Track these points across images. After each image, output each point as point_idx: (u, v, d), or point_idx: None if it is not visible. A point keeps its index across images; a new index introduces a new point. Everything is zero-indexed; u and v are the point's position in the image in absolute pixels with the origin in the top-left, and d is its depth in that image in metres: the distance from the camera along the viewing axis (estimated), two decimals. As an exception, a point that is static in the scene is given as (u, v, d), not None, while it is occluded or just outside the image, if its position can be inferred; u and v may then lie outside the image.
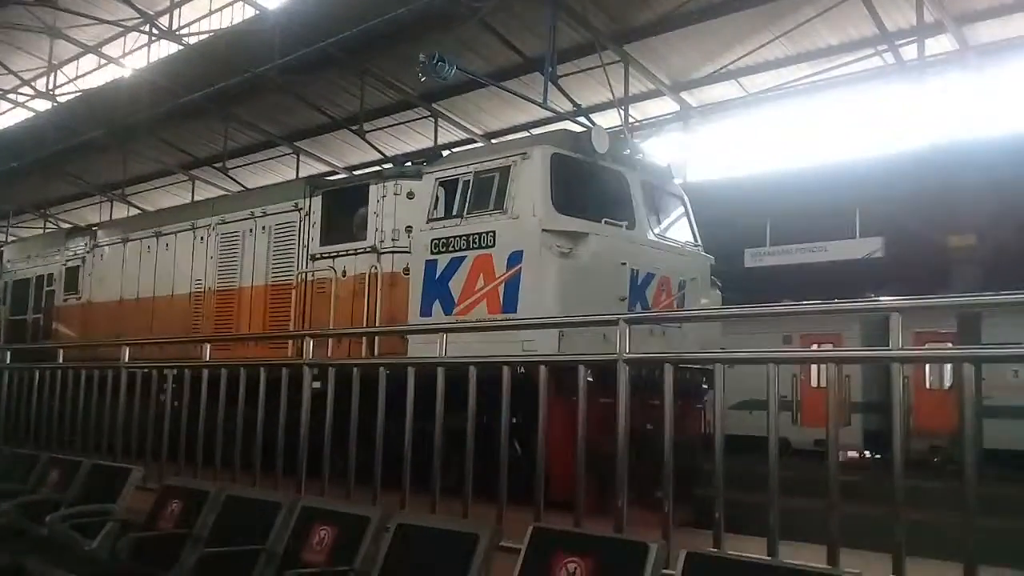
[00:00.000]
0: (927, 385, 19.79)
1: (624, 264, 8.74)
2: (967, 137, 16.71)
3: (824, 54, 18.87)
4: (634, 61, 20.07)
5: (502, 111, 23.06)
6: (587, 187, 9.18)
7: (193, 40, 25.16)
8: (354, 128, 23.96)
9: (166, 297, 12.54)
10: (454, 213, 9.16)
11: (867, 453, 19.90)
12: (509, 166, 8.94)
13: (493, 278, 8.64)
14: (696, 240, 10.22)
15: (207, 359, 7.93)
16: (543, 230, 8.43)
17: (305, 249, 10.55)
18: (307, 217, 10.65)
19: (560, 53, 17.02)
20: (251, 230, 11.39)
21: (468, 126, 24.32)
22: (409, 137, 25.47)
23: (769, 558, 4.13)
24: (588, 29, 18.80)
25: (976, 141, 16.43)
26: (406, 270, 9.44)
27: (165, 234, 12.89)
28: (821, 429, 5.14)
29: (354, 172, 19.45)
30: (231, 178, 28.34)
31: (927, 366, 19.40)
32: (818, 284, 16.39)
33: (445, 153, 10.70)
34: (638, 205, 9.40)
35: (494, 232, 8.74)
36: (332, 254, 10.15)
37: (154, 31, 26.26)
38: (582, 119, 16.81)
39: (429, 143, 24.46)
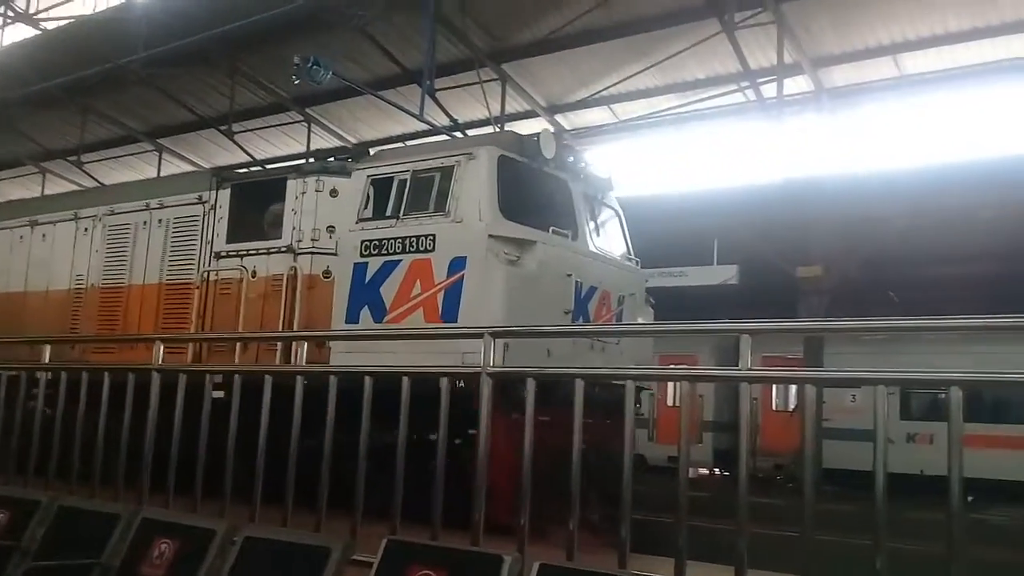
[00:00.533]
0: (773, 407, 20.86)
1: (570, 276, 8.45)
2: (818, 174, 17.73)
3: (692, 87, 19.63)
4: (511, 80, 20.30)
5: (378, 121, 22.84)
6: (533, 193, 8.82)
7: (52, 26, 23.76)
8: (222, 128, 23.15)
9: (40, 292, 11.62)
10: (388, 214, 8.62)
11: (717, 470, 20.74)
12: (452, 166, 8.43)
13: (432, 284, 8.13)
14: (631, 254, 10.10)
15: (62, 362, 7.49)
16: (489, 235, 8.00)
17: (209, 246, 9.88)
18: (212, 211, 9.97)
19: (439, 67, 17.01)
20: (145, 223, 10.61)
21: (343, 134, 23.96)
22: (280, 141, 24.84)
23: (621, 570, 4.21)
24: (467, 45, 18.91)
25: (826, 178, 17.44)
26: (326, 273, 8.94)
27: (42, 223, 11.92)
28: (675, 446, 5.29)
29: (265, 166, 18.56)
30: (86, 173, 26.84)
31: (774, 389, 20.44)
32: (679, 308, 17.01)
33: (373, 150, 10.28)
34: (580, 215, 9.17)
35: (434, 235, 8.24)
36: (241, 252, 9.55)
37: (9, 13, 24.67)
38: (458, 134, 16.88)
39: (301, 148, 23.94)
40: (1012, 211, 15.90)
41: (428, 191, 8.46)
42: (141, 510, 5.02)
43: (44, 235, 11.85)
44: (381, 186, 8.81)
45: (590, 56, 19.08)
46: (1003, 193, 15.39)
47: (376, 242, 8.56)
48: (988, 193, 15.54)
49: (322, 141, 24.02)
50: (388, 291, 8.36)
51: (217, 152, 26.04)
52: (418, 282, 8.22)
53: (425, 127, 17.92)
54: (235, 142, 23.68)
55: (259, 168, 17.15)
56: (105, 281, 10.92)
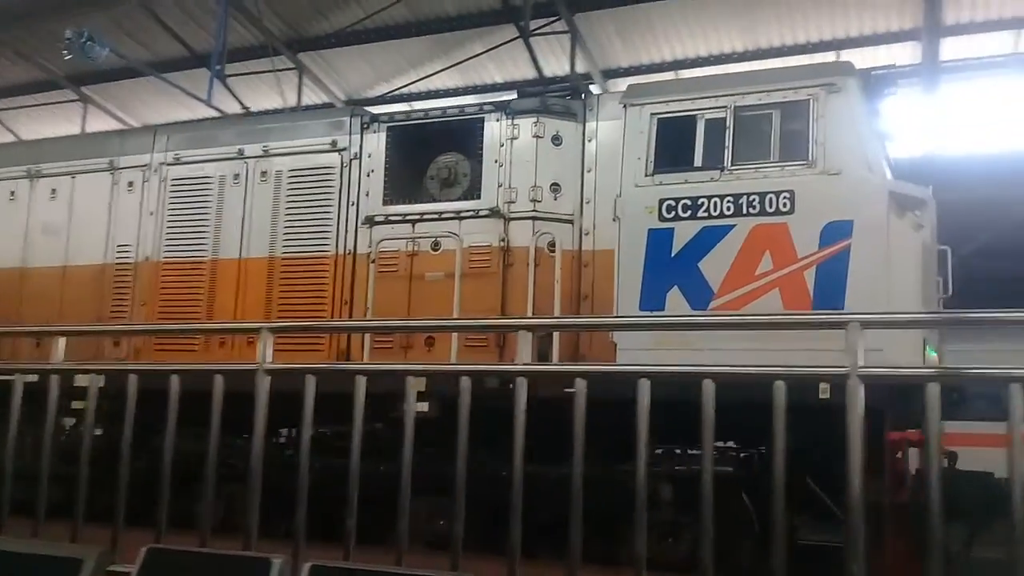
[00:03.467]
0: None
1: (945, 249, 6.97)
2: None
3: (491, 89, 19.93)
4: (308, 71, 19.77)
5: (163, 104, 21.50)
6: (882, 142, 7.25)
7: None
8: (-16, 106, 21.01)
9: (51, 269, 9.15)
10: (701, 164, 6.76)
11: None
12: (807, 101, 6.64)
13: (794, 258, 6.35)
14: None
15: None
16: (890, 192, 6.41)
17: (353, 208, 8.00)
18: (356, 162, 8.05)
19: (231, 52, 16.28)
20: (237, 176, 8.48)
21: (122, 116, 22.39)
22: (52, 121, 22.87)
23: (396, 567, 4.18)
24: (261, 31, 18.22)
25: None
26: (551, 245, 7.19)
27: (48, 175, 9.35)
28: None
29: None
30: None
31: None
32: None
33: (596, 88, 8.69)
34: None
35: (791, 192, 6.45)
36: (411, 217, 7.71)
37: None
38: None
39: (76, 129, 22.14)
40: None
41: (765, 134, 6.68)
42: None
43: (54, 191, 9.31)
44: (676, 127, 6.97)
45: (391, 51, 18.92)
46: None
47: (687, 201, 6.69)
48: None
49: (101, 123, 22.33)
50: (714, 266, 6.55)
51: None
52: (768, 254, 6.41)
53: (214, 113, 17.11)
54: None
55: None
56: (171, 254, 8.70)
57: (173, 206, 8.90)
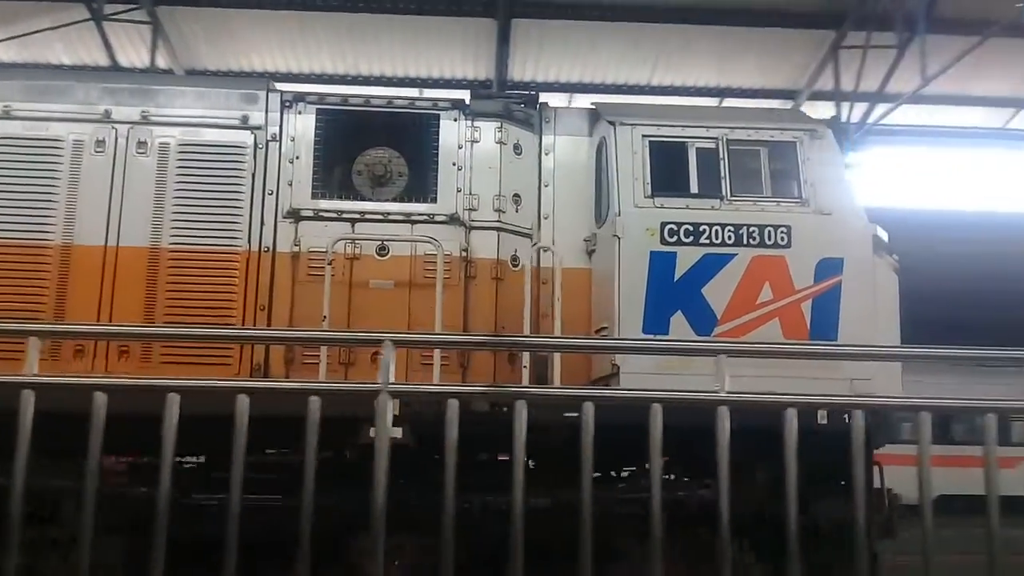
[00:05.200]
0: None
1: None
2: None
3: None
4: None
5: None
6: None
7: None
8: None
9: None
10: (696, 191, 6.82)
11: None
12: (793, 143, 6.97)
13: (790, 290, 6.60)
14: None
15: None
16: (874, 235, 6.83)
17: (272, 198, 6.94)
18: (275, 144, 7.01)
19: None
20: (102, 143, 6.89)
21: None
22: None
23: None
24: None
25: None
26: (515, 260, 6.98)
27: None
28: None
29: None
30: None
31: None
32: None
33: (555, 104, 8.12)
34: None
35: (788, 228, 6.70)
36: (348, 215, 6.94)
37: None
38: None
39: None
40: None
41: (755, 169, 6.92)
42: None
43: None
44: (668, 152, 6.95)
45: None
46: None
47: (688, 227, 6.70)
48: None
49: None
50: (717, 293, 6.62)
51: None
52: (768, 284, 6.62)
53: None
54: None
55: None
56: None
57: (0, 172, 6.90)
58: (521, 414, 3.77)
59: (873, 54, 14.35)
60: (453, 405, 3.77)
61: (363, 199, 7.11)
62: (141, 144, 6.98)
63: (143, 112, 7.08)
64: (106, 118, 7.04)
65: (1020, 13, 9.77)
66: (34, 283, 6.72)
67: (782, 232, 6.75)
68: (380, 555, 3.59)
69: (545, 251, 7.16)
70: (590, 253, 7.28)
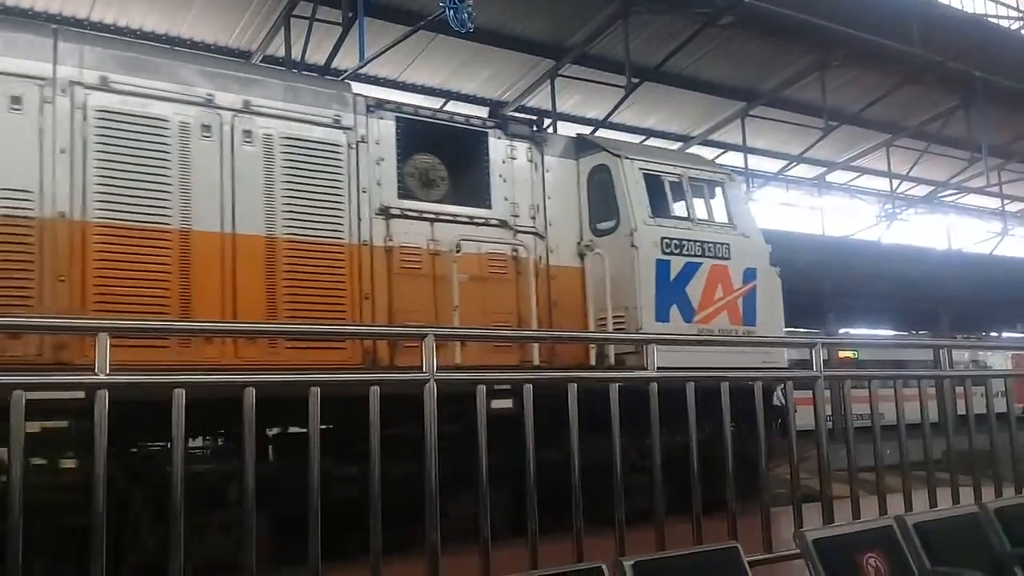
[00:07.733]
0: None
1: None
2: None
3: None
4: None
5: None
6: None
7: None
8: None
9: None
10: (675, 214, 8.90)
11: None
12: (722, 182, 9.33)
13: (732, 290, 8.90)
14: None
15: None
16: (769, 253, 9.29)
17: (365, 195, 7.48)
18: (363, 146, 7.55)
19: None
20: (208, 128, 6.85)
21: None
22: None
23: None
24: None
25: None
26: (540, 259, 8.45)
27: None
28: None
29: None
30: None
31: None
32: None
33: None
34: None
35: (728, 245, 8.96)
36: (429, 215, 7.83)
37: None
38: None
39: None
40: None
41: (704, 200, 9.04)
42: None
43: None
44: (653, 183, 8.81)
45: None
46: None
47: (677, 241, 8.67)
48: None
49: None
50: (694, 292, 8.68)
51: None
52: (720, 286, 8.81)
53: None
54: None
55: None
56: (109, 214, 6.41)
57: (105, 149, 6.46)
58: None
59: (323, 29, 13.97)
60: (481, 390, 4.45)
61: (439, 201, 8.00)
62: (247, 133, 7.03)
63: (245, 101, 7.09)
64: (209, 103, 6.94)
65: (443, 11, 11.59)
66: (157, 269, 6.51)
67: (724, 247, 8.96)
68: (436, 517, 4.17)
69: (551, 252, 8.67)
70: (582, 255, 8.80)
